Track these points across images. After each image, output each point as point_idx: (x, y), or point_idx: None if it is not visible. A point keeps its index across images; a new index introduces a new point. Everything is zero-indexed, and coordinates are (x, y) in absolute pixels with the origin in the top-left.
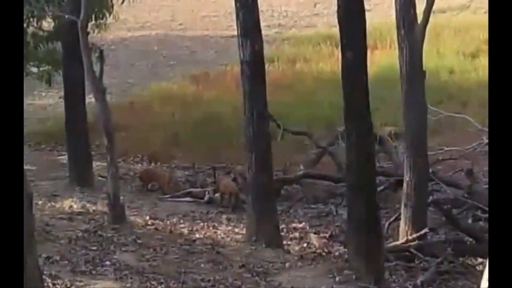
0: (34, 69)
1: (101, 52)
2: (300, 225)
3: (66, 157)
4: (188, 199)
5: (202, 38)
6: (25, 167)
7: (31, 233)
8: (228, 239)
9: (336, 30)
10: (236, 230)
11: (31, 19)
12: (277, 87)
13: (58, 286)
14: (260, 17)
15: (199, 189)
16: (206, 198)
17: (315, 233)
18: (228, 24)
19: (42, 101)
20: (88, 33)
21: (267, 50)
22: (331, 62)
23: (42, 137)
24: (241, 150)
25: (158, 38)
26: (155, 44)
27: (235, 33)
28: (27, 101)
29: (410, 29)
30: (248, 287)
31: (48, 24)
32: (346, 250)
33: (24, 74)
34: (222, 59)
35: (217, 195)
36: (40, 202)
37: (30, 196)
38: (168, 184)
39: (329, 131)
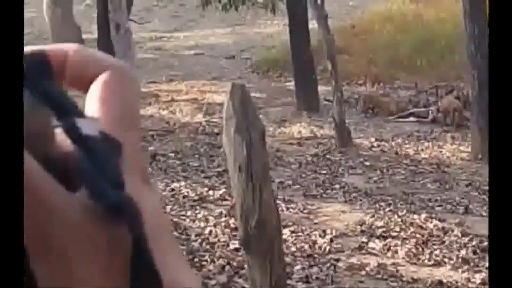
0: None
1: None
2: None
3: (292, 83)
4: (411, 119)
5: None
6: (253, 94)
7: (266, 164)
8: (454, 158)
9: None
10: (461, 148)
11: None
12: None
13: (292, 210)
14: None
15: (422, 109)
16: (429, 117)
17: None
18: None
19: (268, 29)
20: None
21: None
22: None
23: (269, 65)
24: (463, 68)
25: None
26: None
27: None
28: (254, 29)
29: None
30: (475, 205)
31: None
32: None
33: (250, 3)
34: None
35: (440, 114)
36: (270, 129)
37: (263, 132)
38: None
39: None
